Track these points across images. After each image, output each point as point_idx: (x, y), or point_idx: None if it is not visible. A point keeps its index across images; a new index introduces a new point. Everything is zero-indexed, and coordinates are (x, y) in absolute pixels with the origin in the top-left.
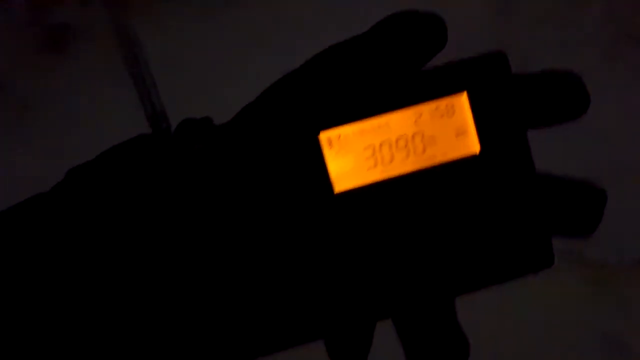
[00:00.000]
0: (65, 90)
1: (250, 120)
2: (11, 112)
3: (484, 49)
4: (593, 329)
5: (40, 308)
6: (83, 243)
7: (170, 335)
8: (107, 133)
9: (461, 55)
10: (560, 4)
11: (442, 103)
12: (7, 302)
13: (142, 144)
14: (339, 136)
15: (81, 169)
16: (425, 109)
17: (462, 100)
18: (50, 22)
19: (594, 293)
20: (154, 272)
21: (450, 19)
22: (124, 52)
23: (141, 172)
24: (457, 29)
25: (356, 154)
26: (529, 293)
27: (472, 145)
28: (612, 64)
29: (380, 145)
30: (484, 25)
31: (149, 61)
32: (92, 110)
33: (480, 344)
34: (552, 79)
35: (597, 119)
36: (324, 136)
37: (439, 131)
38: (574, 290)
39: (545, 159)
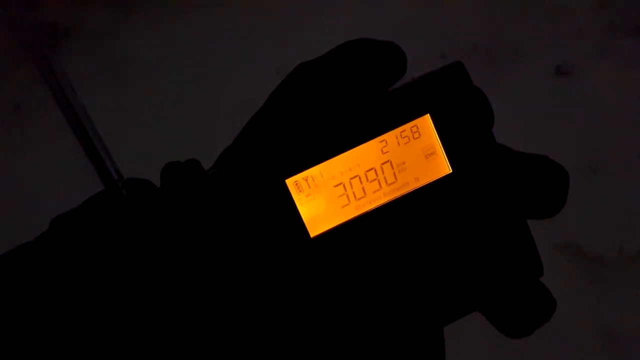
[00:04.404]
0: None
1: (227, 168)
2: None
3: (477, 41)
4: (592, 324)
5: (30, 355)
6: (70, 291)
7: None
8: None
9: (450, 47)
10: None
11: (407, 128)
12: None
13: (123, 193)
14: (307, 179)
15: (65, 217)
16: (390, 137)
17: (427, 122)
18: None
19: (593, 287)
20: (139, 321)
21: (443, 13)
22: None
23: (123, 220)
24: (450, 22)
25: (327, 194)
26: None
27: (443, 165)
28: (604, 55)
29: (350, 181)
30: (476, 17)
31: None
32: None
33: (480, 338)
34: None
35: (592, 111)
36: (291, 182)
37: (408, 156)
38: (573, 285)
39: (538, 151)
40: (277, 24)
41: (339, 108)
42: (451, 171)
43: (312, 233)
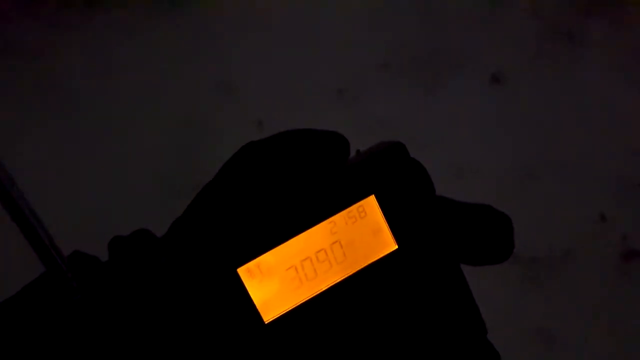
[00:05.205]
0: None
1: (178, 257)
2: None
3: (417, 51)
4: (528, 322)
5: None
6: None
7: None
8: None
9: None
10: (485, 4)
11: (353, 209)
12: None
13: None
14: (259, 264)
15: (9, 306)
16: (339, 218)
17: (372, 202)
18: None
19: (526, 288)
20: None
21: (387, 27)
22: None
23: (73, 312)
24: (393, 36)
25: (279, 278)
26: None
27: (389, 241)
28: (539, 60)
29: (302, 262)
30: (416, 28)
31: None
32: None
33: None
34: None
35: (526, 115)
36: (243, 270)
37: (356, 235)
38: (507, 287)
39: (475, 156)
40: (219, 39)
41: (287, 192)
42: (397, 247)
43: (266, 318)
